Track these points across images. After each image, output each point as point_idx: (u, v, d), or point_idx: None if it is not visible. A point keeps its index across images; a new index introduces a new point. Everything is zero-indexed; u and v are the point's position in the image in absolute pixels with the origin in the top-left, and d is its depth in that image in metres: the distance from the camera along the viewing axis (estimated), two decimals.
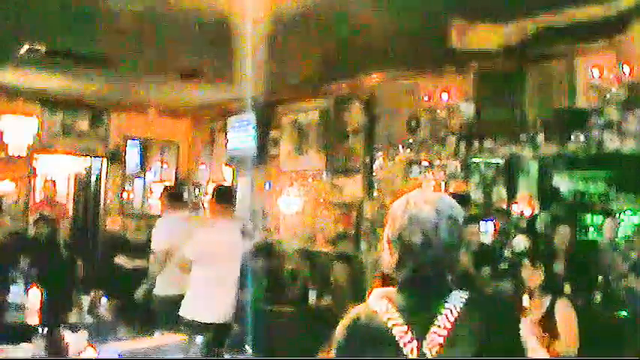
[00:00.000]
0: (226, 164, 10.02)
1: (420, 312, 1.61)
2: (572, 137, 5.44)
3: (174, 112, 10.70)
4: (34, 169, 10.19)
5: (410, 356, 1.56)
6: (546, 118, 5.71)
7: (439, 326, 1.57)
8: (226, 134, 9.64)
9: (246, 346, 4.26)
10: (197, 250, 4.82)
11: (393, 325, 1.60)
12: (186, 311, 4.83)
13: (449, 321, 1.57)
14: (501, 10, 4.86)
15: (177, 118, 11.06)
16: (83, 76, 8.08)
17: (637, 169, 5.20)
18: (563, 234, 5.38)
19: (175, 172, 11.37)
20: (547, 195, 5.84)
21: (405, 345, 1.57)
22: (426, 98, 6.60)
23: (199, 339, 3.21)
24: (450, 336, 1.56)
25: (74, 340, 3.40)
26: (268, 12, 5.02)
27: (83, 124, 10.45)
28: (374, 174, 7.50)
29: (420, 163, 6.88)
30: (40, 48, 6.60)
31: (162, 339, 3.30)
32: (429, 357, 1.55)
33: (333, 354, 1.70)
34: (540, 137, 5.70)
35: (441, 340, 1.56)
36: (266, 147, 9.09)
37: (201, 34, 5.88)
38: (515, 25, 5.03)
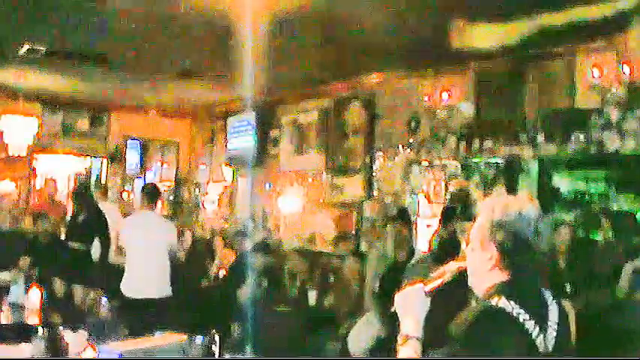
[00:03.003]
0: (226, 164, 10.02)
1: (534, 309, 1.72)
2: (572, 137, 5.44)
3: (174, 112, 10.71)
4: (34, 169, 10.20)
5: (539, 346, 1.68)
6: (546, 118, 5.71)
7: (551, 320, 1.74)
8: (226, 134, 9.64)
9: (246, 346, 4.27)
10: (125, 237, 5.71)
11: (524, 319, 1.68)
12: (122, 288, 5.49)
13: (557, 317, 1.75)
14: (501, 10, 4.86)
15: (177, 118, 11.06)
16: (83, 76, 8.09)
17: (637, 169, 5.19)
18: (563, 234, 5.37)
19: (175, 172, 11.38)
20: (547, 195, 5.83)
21: (535, 337, 1.68)
22: (426, 98, 6.60)
23: (199, 339, 3.21)
24: (559, 331, 1.73)
25: (74, 340, 3.40)
26: (268, 12, 5.02)
27: (83, 124, 10.46)
28: (374, 174, 7.50)
29: (420, 163, 6.88)
30: (40, 48, 6.61)
31: (162, 339, 3.30)
32: (550, 349, 1.70)
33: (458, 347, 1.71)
34: (540, 137, 5.70)
35: (555, 333, 1.72)
36: (266, 147, 9.09)
37: (201, 34, 5.88)
38: (515, 25, 5.03)
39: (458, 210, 5.09)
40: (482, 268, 1.79)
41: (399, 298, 1.93)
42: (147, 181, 11.63)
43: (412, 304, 1.89)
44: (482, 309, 1.74)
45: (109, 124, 10.64)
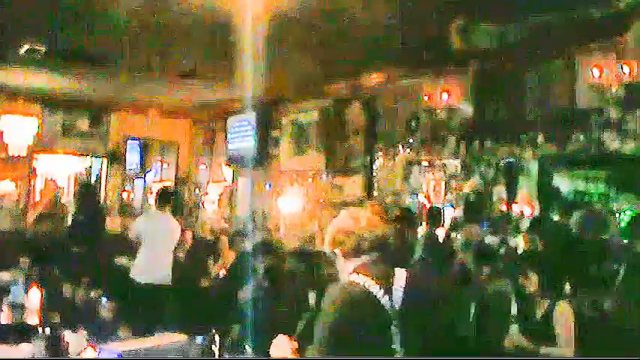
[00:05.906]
0: (226, 164, 10.02)
1: (382, 278, 2.27)
2: (572, 137, 5.44)
3: (174, 112, 10.70)
4: (34, 169, 10.19)
5: (386, 305, 2.22)
6: (546, 119, 5.71)
7: (396, 285, 2.27)
8: (226, 134, 9.64)
9: (246, 346, 4.26)
10: (136, 231, 6.45)
11: (369, 285, 2.24)
12: (132, 273, 6.28)
13: (403, 282, 2.28)
14: (501, 10, 4.86)
15: (177, 118, 11.06)
16: (83, 76, 8.08)
17: (637, 169, 5.19)
18: (562, 235, 5.37)
19: (175, 172, 11.38)
20: (547, 195, 5.84)
21: (380, 298, 2.22)
22: (426, 98, 6.60)
23: (199, 339, 3.22)
24: (406, 292, 2.26)
25: (74, 340, 3.40)
26: (268, 12, 5.02)
27: (83, 124, 10.45)
28: (374, 174, 7.50)
29: (420, 163, 6.88)
30: (40, 48, 6.60)
31: (162, 339, 3.30)
32: (397, 307, 2.23)
33: (325, 321, 2.23)
34: (540, 137, 5.71)
35: (401, 294, 2.24)
36: (266, 147, 9.09)
37: (201, 34, 5.88)
38: (516, 25, 5.04)
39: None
40: (339, 263, 2.38)
41: (272, 348, 2.66)
42: (147, 182, 11.71)
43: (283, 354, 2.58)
44: (337, 283, 2.34)
45: (109, 124, 10.64)
